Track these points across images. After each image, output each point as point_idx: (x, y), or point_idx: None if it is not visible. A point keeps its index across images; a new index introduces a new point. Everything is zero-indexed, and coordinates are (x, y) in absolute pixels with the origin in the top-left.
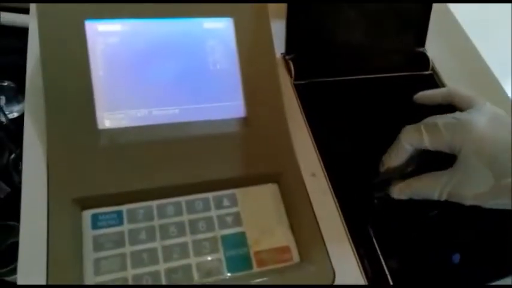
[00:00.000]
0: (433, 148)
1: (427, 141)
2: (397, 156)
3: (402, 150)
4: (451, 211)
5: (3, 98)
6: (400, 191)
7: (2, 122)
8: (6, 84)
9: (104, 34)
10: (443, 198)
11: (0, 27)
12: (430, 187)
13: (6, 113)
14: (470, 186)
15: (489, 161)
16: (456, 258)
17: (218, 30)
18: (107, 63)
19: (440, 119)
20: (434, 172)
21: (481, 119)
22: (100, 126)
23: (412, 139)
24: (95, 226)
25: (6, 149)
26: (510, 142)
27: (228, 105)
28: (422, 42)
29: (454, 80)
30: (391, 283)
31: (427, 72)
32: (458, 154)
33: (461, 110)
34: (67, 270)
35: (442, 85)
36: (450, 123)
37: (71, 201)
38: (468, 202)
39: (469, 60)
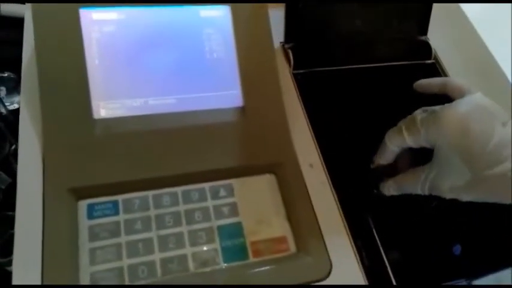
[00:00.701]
0: (416, 146)
1: (408, 141)
2: (385, 157)
3: (389, 151)
4: (451, 202)
5: (3, 89)
6: (389, 188)
7: (2, 113)
8: (6, 75)
9: (99, 22)
10: (426, 192)
11: (0, 18)
12: (413, 182)
13: (7, 104)
14: (446, 180)
15: (464, 154)
16: (457, 249)
17: (215, 18)
18: (102, 52)
19: (420, 114)
20: (416, 167)
21: (460, 110)
22: (95, 116)
23: (395, 141)
24: (90, 216)
25: (7, 140)
26: (487, 134)
27: (225, 94)
28: (424, 30)
29: (457, 70)
30: (391, 274)
31: (429, 61)
32: (435, 147)
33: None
34: (62, 260)
35: (445, 75)
36: (426, 118)
37: (66, 191)
38: (447, 195)
39: (473, 50)
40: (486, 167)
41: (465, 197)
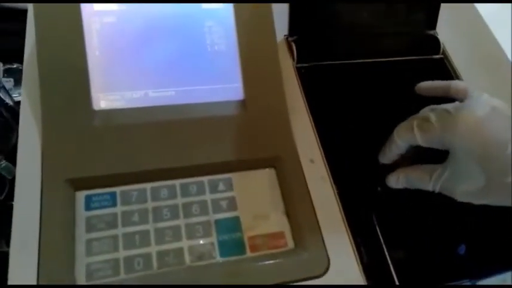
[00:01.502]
0: (426, 145)
1: (419, 139)
2: (391, 151)
3: (396, 147)
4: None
5: (11, 80)
6: (397, 180)
7: (9, 105)
8: (15, 66)
9: (100, 13)
10: (437, 190)
11: (9, 10)
12: (424, 179)
13: (15, 95)
14: (460, 183)
15: (480, 158)
16: (462, 249)
17: (217, 10)
18: (103, 43)
19: (433, 113)
20: (430, 164)
21: (475, 113)
22: (95, 107)
23: (405, 137)
24: (88, 207)
25: (14, 131)
26: (505, 139)
27: (226, 87)
28: (433, 24)
29: (466, 65)
30: (393, 272)
31: (437, 56)
32: (450, 150)
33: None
34: (59, 251)
35: (453, 70)
36: (442, 117)
37: (64, 182)
38: (459, 198)
39: (484, 46)
40: (504, 171)
41: (477, 202)
